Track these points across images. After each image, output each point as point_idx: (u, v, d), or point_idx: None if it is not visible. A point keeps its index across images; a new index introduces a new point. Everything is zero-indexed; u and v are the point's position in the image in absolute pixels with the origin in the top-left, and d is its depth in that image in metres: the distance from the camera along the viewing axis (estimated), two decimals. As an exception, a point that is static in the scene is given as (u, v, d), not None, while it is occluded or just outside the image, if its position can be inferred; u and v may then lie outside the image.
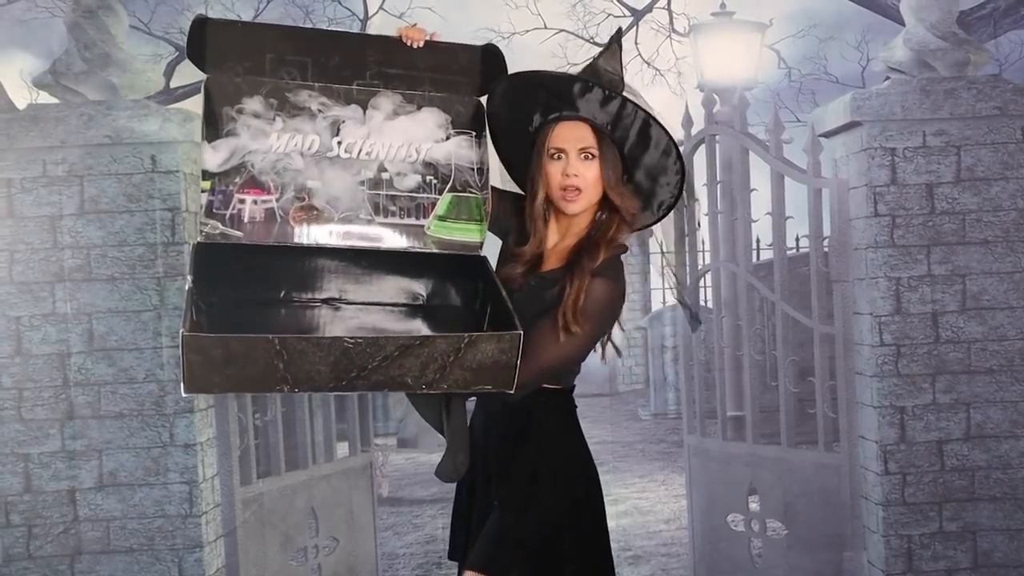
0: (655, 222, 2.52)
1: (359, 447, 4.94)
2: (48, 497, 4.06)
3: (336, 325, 2.42)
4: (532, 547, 2.42)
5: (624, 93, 2.37)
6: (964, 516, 4.24)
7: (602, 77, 2.37)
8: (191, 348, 1.96)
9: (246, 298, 2.39)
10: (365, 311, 2.46)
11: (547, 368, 2.36)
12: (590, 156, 2.38)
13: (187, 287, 2.18)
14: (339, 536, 4.73)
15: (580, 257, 2.38)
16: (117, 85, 4.08)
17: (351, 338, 2.01)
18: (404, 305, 2.50)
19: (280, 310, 2.42)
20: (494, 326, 2.26)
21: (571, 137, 2.38)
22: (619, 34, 2.46)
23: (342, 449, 4.98)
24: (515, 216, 2.53)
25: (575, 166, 2.38)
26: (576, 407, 2.58)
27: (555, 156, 2.40)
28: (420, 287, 2.50)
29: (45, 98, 4.28)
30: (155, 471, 4.05)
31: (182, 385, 2.00)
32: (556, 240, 2.49)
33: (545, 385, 2.45)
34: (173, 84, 13.11)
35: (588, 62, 2.44)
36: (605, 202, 2.43)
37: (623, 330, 2.53)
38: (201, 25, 2.30)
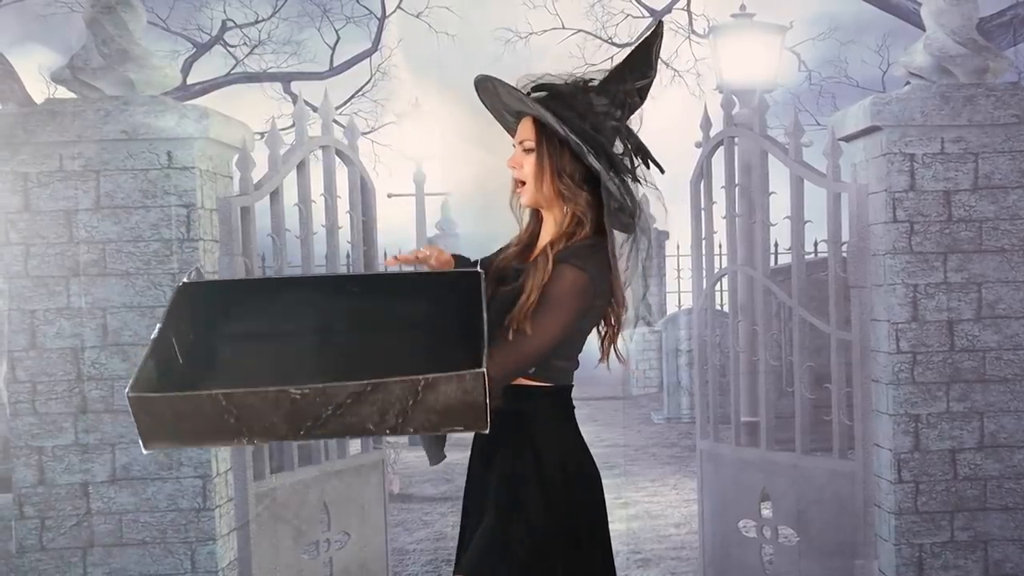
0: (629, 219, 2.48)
1: (371, 444, 4.95)
2: (61, 490, 4.07)
3: (325, 357, 2.31)
4: (518, 552, 2.39)
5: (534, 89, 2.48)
6: (976, 526, 4.21)
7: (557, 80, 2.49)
8: (138, 408, 1.90)
9: (231, 334, 2.30)
10: (359, 337, 2.35)
11: (513, 365, 2.34)
12: (528, 148, 2.49)
13: (153, 336, 2.09)
14: (350, 531, 4.73)
15: (539, 257, 2.44)
16: (134, 81, 4.09)
17: (297, 389, 1.91)
18: (407, 329, 2.38)
19: (267, 344, 2.32)
20: (478, 350, 2.14)
21: (518, 133, 2.53)
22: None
23: (354, 445, 4.99)
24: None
25: (515, 158, 2.52)
26: (573, 407, 2.55)
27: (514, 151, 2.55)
28: (420, 309, 2.38)
29: (62, 93, 4.29)
30: (168, 465, 4.06)
31: (140, 442, 1.95)
32: (543, 238, 2.54)
33: (536, 383, 2.44)
34: (190, 81, 13.17)
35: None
36: (566, 196, 2.48)
37: (623, 335, 2.51)
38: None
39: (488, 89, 2.55)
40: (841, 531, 4.45)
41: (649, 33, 2.53)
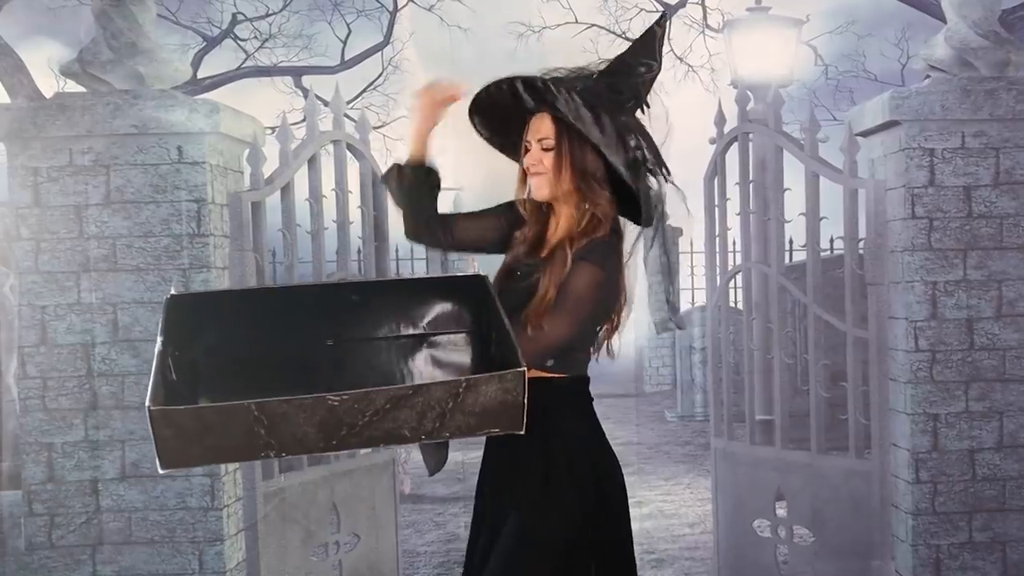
0: (646, 216, 2.46)
1: (382, 443, 4.90)
2: (71, 487, 4.05)
3: (332, 368, 2.25)
4: (555, 548, 2.36)
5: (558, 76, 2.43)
6: (994, 526, 4.16)
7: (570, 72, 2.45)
8: (161, 423, 1.80)
9: (233, 348, 2.21)
10: (364, 346, 2.30)
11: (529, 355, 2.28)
12: (548, 146, 2.45)
13: (157, 349, 1.98)
14: (360, 532, 4.70)
15: (555, 253, 2.43)
16: (144, 75, 4.06)
17: (335, 395, 1.82)
18: (406, 336, 2.34)
19: (273, 356, 2.24)
20: (500, 353, 2.10)
21: (534, 129, 2.47)
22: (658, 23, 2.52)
23: (365, 444, 4.94)
24: (506, 224, 2.62)
25: (534, 155, 2.47)
26: (592, 399, 2.53)
27: (527, 149, 2.50)
28: (420, 315, 2.34)
29: (72, 87, 4.26)
30: (177, 463, 4.02)
31: (157, 462, 1.83)
32: (554, 232, 2.52)
33: (556, 375, 2.42)
34: (200, 74, 13.16)
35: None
36: (587, 195, 2.45)
37: (618, 332, 2.50)
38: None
39: (509, 88, 2.48)
40: (857, 531, 4.39)
41: (652, 24, 2.50)
